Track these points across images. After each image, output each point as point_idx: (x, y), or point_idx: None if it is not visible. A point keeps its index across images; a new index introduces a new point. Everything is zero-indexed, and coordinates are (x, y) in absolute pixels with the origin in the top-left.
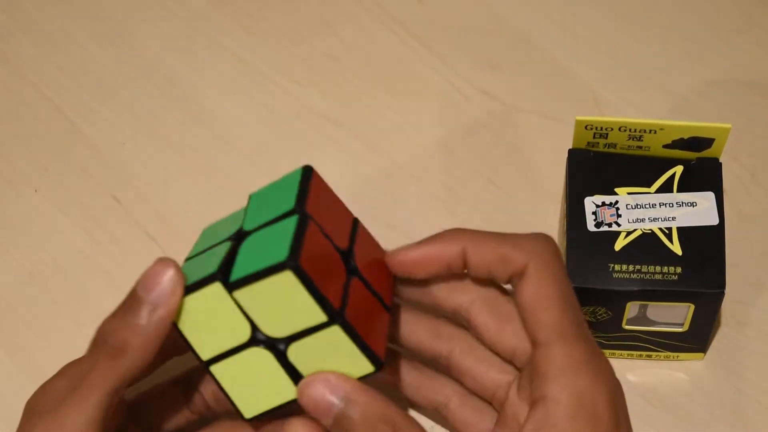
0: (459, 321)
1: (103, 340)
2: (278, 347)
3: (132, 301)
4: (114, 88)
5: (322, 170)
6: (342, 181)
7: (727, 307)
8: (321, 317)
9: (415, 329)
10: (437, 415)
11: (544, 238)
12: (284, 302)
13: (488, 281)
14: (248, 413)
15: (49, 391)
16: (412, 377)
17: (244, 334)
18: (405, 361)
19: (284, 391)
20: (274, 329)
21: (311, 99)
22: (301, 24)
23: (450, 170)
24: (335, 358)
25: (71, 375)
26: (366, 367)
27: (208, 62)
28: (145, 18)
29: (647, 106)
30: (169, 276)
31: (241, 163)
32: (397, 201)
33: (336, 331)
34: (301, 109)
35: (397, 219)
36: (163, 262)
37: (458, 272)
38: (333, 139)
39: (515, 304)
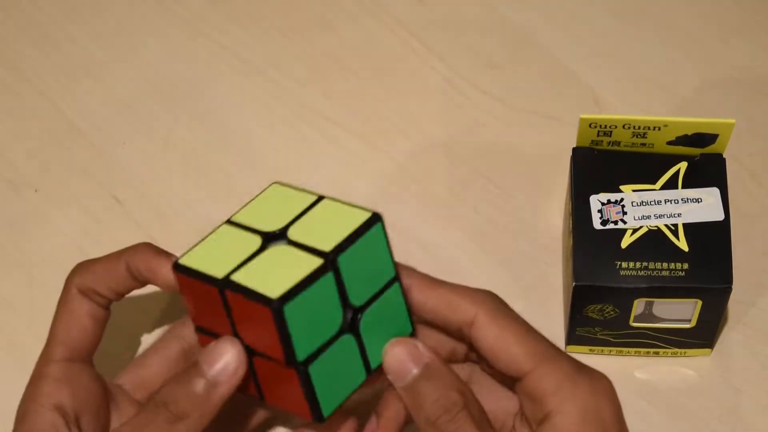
0: (461, 340)
1: (164, 404)
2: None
3: (194, 373)
4: (114, 88)
5: (322, 170)
6: (342, 181)
7: (727, 306)
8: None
9: None
10: None
11: (489, 293)
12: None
13: (486, 297)
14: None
15: None
16: None
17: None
18: None
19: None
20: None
21: (311, 99)
22: (301, 23)
23: (450, 170)
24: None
25: (71, 384)
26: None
27: (208, 62)
28: (145, 18)
29: (647, 105)
30: (232, 355)
31: (241, 163)
32: (397, 201)
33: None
34: (301, 108)
35: (397, 219)
36: (230, 340)
37: None
38: (333, 138)
39: (485, 348)
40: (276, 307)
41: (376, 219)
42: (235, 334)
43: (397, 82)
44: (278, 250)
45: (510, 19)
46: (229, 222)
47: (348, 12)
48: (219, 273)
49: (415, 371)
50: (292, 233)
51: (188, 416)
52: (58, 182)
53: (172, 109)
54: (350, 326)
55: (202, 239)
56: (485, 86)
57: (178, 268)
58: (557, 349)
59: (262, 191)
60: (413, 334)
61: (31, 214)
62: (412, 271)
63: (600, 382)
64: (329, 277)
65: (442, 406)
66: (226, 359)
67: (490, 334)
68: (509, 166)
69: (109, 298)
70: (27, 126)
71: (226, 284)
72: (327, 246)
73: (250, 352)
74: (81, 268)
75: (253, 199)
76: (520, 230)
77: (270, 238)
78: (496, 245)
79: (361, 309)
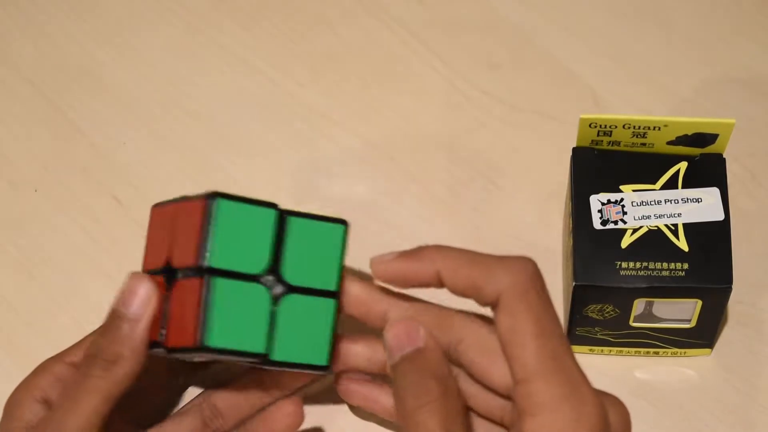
0: (449, 360)
1: (93, 356)
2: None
3: (114, 318)
4: (114, 88)
5: (322, 170)
6: (341, 180)
7: (727, 306)
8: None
9: None
10: None
11: (523, 263)
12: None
13: (475, 318)
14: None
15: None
16: None
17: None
18: None
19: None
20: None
21: (311, 98)
22: (301, 23)
23: (450, 170)
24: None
25: (63, 382)
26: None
27: (208, 62)
28: (145, 18)
29: (647, 106)
30: (144, 288)
31: (241, 163)
32: (397, 201)
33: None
34: (301, 108)
35: (397, 219)
36: (137, 277)
37: (439, 287)
38: (333, 138)
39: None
40: (210, 198)
41: (343, 222)
42: (168, 260)
43: (397, 82)
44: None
45: (510, 19)
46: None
47: (348, 12)
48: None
49: (407, 350)
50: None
51: (122, 357)
52: (58, 182)
53: (172, 108)
54: (272, 294)
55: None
56: (485, 86)
57: (158, 205)
58: (558, 361)
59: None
60: (327, 369)
61: (31, 214)
62: (438, 252)
63: (588, 410)
64: (271, 213)
65: (414, 391)
66: (140, 294)
67: (502, 326)
68: (509, 166)
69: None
70: (27, 126)
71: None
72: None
73: (171, 276)
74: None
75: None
76: (520, 230)
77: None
78: (495, 245)
79: (290, 289)
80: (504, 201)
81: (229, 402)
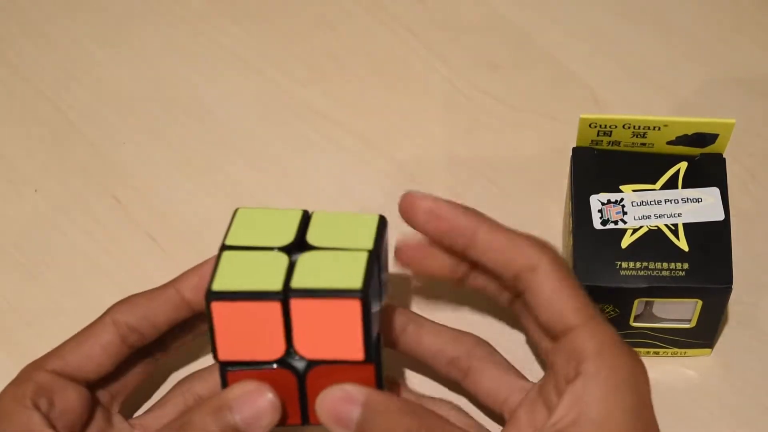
0: (455, 373)
1: None
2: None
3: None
4: (114, 88)
5: (322, 170)
6: (342, 181)
7: (727, 306)
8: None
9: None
10: None
11: (549, 244)
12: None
13: (481, 341)
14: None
15: None
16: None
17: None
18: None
19: None
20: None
21: (311, 99)
22: (301, 23)
23: (450, 170)
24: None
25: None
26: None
27: (208, 62)
28: (145, 18)
29: (647, 106)
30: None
31: (241, 163)
32: (397, 201)
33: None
34: (301, 108)
35: (397, 219)
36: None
37: (459, 249)
38: (333, 138)
39: (526, 304)
40: (363, 296)
41: (383, 219)
42: (289, 351)
43: (397, 82)
44: (312, 255)
45: (510, 19)
46: (228, 247)
47: (348, 12)
48: (273, 286)
49: (356, 413)
50: (313, 240)
51: None
52: (58, 182)
53: (172, 108)
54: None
55: (214, 270)
56: (485, 86)
57: (215, 296)
58: (604, 316)
59: (233, 218)
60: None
61: (31, 214)
62: (478, 213)
63: (639, 359)
64: (374, 259)
65: None
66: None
67: (549, 284)
68: (509, 166)
69: (144, 333)
70: (27, 126)
71: (290, 293)
72: (364, 244)
73: (306, 367)
74: (127, 302)
75: (230, 227)
76: (520, 230)
77: (290, 250)
78: None
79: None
80: (504, 201)
81: (214, 389)
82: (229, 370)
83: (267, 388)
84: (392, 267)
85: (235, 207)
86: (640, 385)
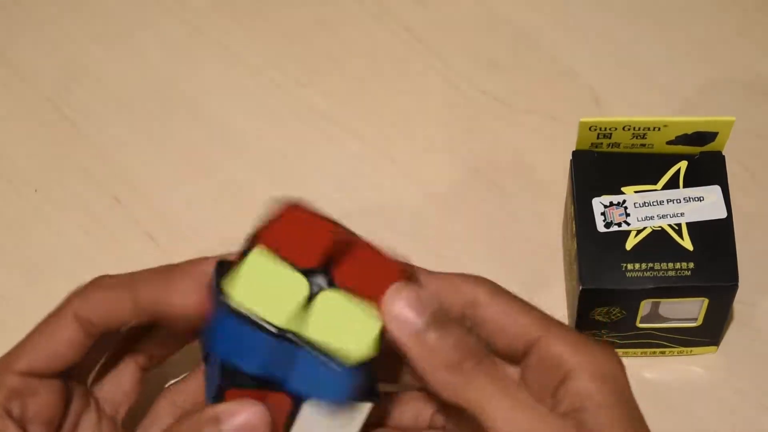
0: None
1: None
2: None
3: None
4: (114, 89)
5: (322, 170)
6: (342, 181)
7: None
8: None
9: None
10: None
11: (483, 277)
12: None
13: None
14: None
15: None
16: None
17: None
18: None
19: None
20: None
21: (311, 99)
22: (302, 24)
23: (450, 170)
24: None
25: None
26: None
27: (208, 62)
28: (145, 18)
29: (647, 106)
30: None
31: (241, 164)
32: (397, 201)
33: None
34: (301, 109)
35: (397, 219)
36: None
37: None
38: (333, 139)
39: (492, 324)
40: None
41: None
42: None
43: (397, 82)
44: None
45: (510, 19)
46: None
47: (348, 12)
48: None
49: (421, 320)
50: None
51: None
52: (58, 182)
53: (172, 108)
54: None
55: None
56: (485, 86)
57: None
58: (560, 321)
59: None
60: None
61: (31, 214)
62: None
63: (614, 351)
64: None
65: (464, 349)
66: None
67: (495, 310)
68: (509, 166)
69: (102, 329)
70: (27, 126)
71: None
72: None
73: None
74: (86, 292)
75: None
76: (520, 230)
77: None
78: (496, 246)
79: None
80: (504, 201)
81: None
82: (227, 389)
83: (259, 403)
84: None
85: (234, 207)
86: (617, 372)
